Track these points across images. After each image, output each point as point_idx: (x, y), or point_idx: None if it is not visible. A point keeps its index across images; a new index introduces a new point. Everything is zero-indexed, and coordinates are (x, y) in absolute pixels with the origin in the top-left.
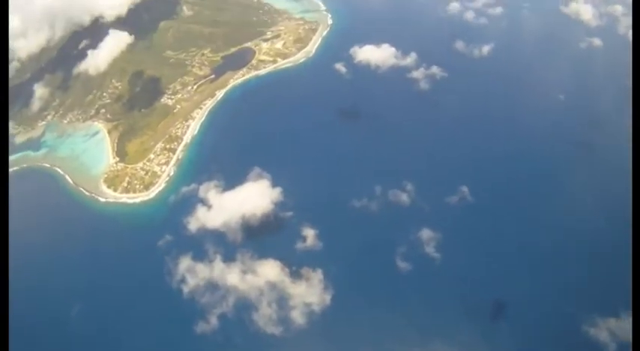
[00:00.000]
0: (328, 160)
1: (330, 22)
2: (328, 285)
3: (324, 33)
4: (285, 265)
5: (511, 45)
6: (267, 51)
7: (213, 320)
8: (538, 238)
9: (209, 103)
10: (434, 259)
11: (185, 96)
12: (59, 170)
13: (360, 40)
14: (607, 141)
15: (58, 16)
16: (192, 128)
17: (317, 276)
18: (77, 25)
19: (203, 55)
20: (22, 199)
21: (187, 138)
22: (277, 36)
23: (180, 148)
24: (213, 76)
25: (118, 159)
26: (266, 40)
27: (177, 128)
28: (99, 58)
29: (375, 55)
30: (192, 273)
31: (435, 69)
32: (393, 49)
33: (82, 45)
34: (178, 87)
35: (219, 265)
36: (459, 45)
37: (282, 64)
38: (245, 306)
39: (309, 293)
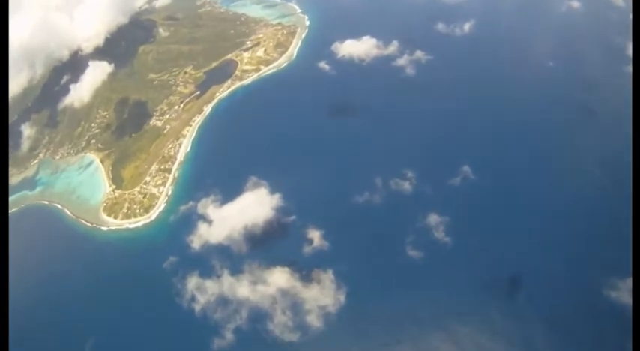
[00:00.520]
0: (324, 159)
1: (307, 23)
2: (341, 284)
3: (303, 35)
4: (294, 270)
5: (491, 19)
6: (249, 60)
7: (229, 335)
8: (545, 209)
9: (198, 120)
10: (445, 244)
11: (173, 116)
12: (58, 206)
13: (340, 36)
14: (604, 102)
15: (36, 54)
16: (185, 146)
17: (328, 277)
18: (57, 60)
19: (186, 73)
20: (24, 239)
21: (181, 156)
22: (257, 44)
23: (175, 167)
24: (198, 93)
25: (114, 186)
26: (246, 50)
27: (170, 148)
28: (82, 91)
29: (357, 48)
30: (202, 290)
31: (419, 53)
32: (374, 40)
33: (63, 80)
34: (165, 108)
35: (227, 279)
36: (440, 26)
37: (266, 70)
38: (259, 316)
39: (323, 295)
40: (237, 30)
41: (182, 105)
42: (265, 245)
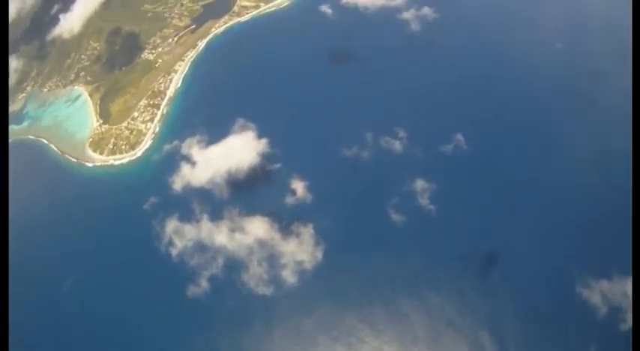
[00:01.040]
0: (316, 107)
1: None
2: (319, 240)
3: None
4: (274, 220)
5: None
6: None
7: (204, 283)
8: (534, 193)
9: (191, 55)
10: (428, 211)
11: (166, 49)
12: (44, 141)
13: None
14: (606, 93)
15: None
16: (175, 82)
17: (308, 231)
18: None
19: (182, 5)
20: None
21: (171, 92)
22: None
23: (165, 102)
24: (194, 27)
25: (102, 121)
26: None
27: (160, 83)
28: (72, 20)
29: None
30: (180, 235)
31: (426, 10)
32: None
33: (54, 10)
34: (158, 41)
35: (206, 225)
36: None
37: (266, 9)
38: (235, 266)
39: (300, 250)
40: None
41: (176, 39)
42: (247, 192)
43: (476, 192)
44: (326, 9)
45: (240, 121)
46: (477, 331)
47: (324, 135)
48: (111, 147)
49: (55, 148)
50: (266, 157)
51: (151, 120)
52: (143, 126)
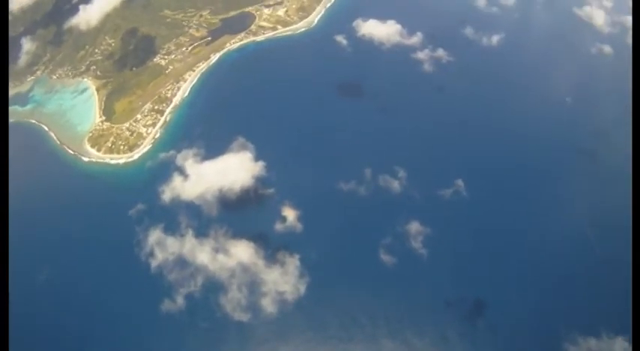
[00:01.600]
0: (318, 136)
1: None
2: (304, 272)
3: (329, 4)
4: (260, 246)
5: (521, 38)
6: (267, 17)
7: (180, 300)
8: (529, 244)
9: (202, 66)
10: (420, 255)
11: (179, 57)
12: (45, 127)
13: (365, 14)
14: (609, 151)
15: None
16: (183, 90)
17: (293, 261)
18: None
19: (201, 16)
20: None
21: (177, 100)
22: (280, 3)
23: (169, 110)
24: (209, 39)
25: (104, 118)
26: (268, 6)
27: (168, 89)
28: (90, 13)
29: (380, 30)
30: (162, 246)
31: (440, 52)
32: (398, 26)
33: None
34: (173, 47)
35: (190, 241)
36: (468, 31)
37: (282, 31)
38: (214, 287)
39: (283, 280)
40: None
41: (190, 48)
42: (237, 213)
43: (470, 239)
44: (342, 39)
45: (240, 139)
46: None
47: (322, 165)
48: (109, 145)
49: (54, 136)
50: (260, 181)
51: (153, 125)
52: (144, 129)
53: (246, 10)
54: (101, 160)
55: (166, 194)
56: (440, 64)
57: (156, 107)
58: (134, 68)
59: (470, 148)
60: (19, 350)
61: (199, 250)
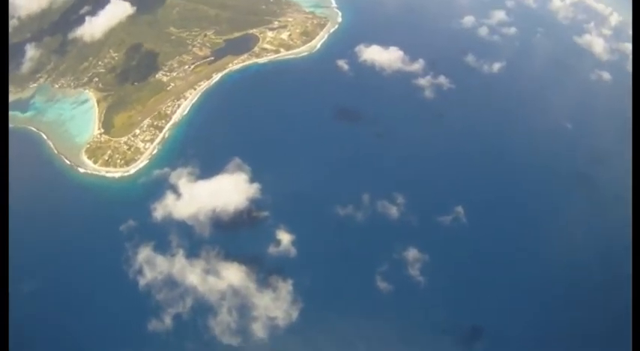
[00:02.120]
0: (316, 160)
1: (339, 19)
2: (297, 298)
3: (332, 29)
4: (252, 269)
5: (522, 66)
6: (271, 40)
7: (168, 320)
8: (529, 271)
9: (204, 85)
10: (417, 283)
11: (181, 75)
12: (43, 135)
13: (368, 40)
14: (610, 175)
15: None
16: (183, 108)
17: (286, 287)
18: None
19: (206, 36)
20: None
21: (176, 117)
22: (284, 26)
23: (168, 126)
24: (212, 58)
25: (102, 130)
26: (272, 29)
27: (168, 106)
28: (95, 26)
29: (381, 56)
30: (151, 265)
31: (442, 79)
32: (400, 53)
33: (83, 10)
34: (175, 65)
35: (180, 261)
36: (470, 59)
37: (285, 55)
38: (203, 309)
39: (275, 306)
40: (268, 7)
41: (192, 66)
42: (229, 235)
43: (469, 266)
44: (343, 64)
45: (237, 160)
46: None
47: (319, 190)
48: (106, 158)
49: (51, 145)
50: (255, 203)
51: (151, 140)
52: (142, 145)
53: (250, 32)
54: (97, 173)
55: (158, 212)
56: (441, 91)
57: (155, 123)
58: (136, 83)
59: (470, 174)
60: None
61: (189, 271)
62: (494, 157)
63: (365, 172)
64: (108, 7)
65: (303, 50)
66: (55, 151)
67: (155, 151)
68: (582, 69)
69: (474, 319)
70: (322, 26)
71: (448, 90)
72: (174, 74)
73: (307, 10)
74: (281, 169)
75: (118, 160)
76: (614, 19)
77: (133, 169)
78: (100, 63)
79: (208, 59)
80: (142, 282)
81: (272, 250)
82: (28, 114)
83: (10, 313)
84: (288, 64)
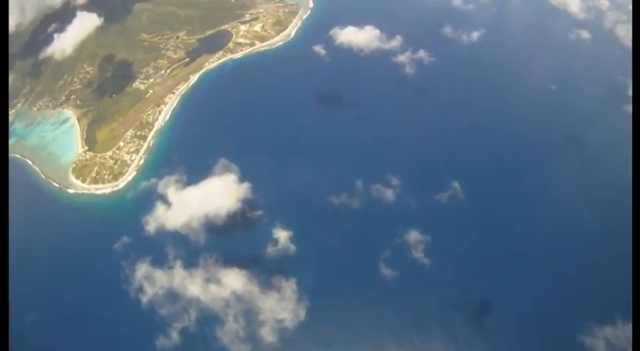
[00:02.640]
0: (304, 151)
1: (311, 5)
2: (303, 296)
3: (305, 16)
4: (253, 272)
5: (501, 33)
6: (244, 34)
7: (175, 335)
8: (531, 238)
9: (182, 88)
10: (422, 265)
11: (158, 80)
12: (28, 161)
13: (342, 22)
14: (596, 137)
15: None
16: (164, 114)
17: (290, 286)
18: (48, 8)
19: (178, 38)
20: None
21: (159, 124)
22: (256, 18)
23: (151, 135)
24: (187, 60)
25: (87, 148)
26: (244, 23)
27: (149, 114)
28: (65, 42)
29: (358, 37)
30: (151, 281)
31: (422, 53)
32: (377, 32)
33: (50, 28)
34: (151, 71)
35: (179, 272)
36: (447, 30)
37: (260, 47)
38: (209, 320)
39: (281, 307)
40: (238, 1)
41: (169, 70)
42: (226, 240)
43: (471, 241)
44: (320, 49)
45: (223, 161)
46: None
47: (310, 181)
48: (94, 175)
49: (38, 170)
50: (247, 203)
51: (137, 151)
52: (128, 157)
53: (223, 28)
54: (87, 191)
55: (150, 225)
56: (422, 66)
57: (138, 133)
58: (114, 95)
59: (462, 148)
60: None
61: (190, 282)
62: (482, 127)
63: (355, 157)
64: (75, 22)
65: (278, 40)
66: (43, 176)
67: (142, 162)
68: (560, 30)
69: (482, 292)
70: (294, 14)
71: (429, 64)
72: (152, 81)
73: None
74: (269, 165)
75: (106, 176)
76: None
77: (122, 183)
78: (75, 79)
79: (184, 61)
80: (144, 300)
81: (271, 249)
82: (10, 141)
83: (12, 345)
84: (264, 55)
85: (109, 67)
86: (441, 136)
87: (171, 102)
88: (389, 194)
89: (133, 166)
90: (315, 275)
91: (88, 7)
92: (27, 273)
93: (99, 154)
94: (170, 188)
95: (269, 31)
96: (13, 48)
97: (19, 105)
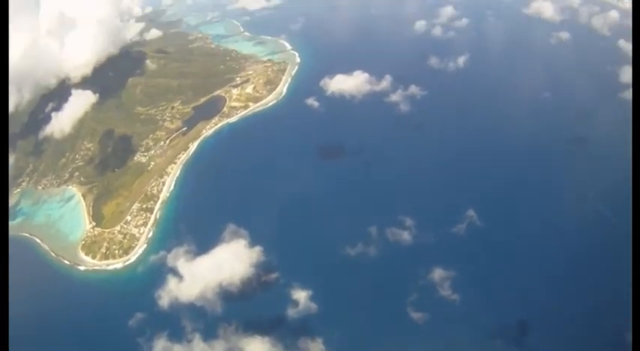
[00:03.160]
0: (312, 206)
1: (298, 60)
2: None
3: (293, 72)
4: (276, 338)
5: (485, 53)
6: (237, 97)
7: None
8: (556, 250)
9: (183, 157)
10: (453, 302)
11: (158, 152)
12: (37, 239)
13: (330, 71)
14: (604, 132)
15: (24, 79)
16: (168, 185)
17: (317, 346)
18: (44, 88)
19: (173, 108)
20: None
21: (164, 195)
22: (247, 80)
23: (157, 206)
24: (185, 129)
25: (94, 224)
26: (236, 86)
27: (153, 186)
28: (63, 121)
29: (348, 83)
30: None
31: (413, 89)
32: (365, 75)
33: (48, 108)
34: (151, 143)
35: (199, 345)
36: (433, 61)
37: (254, 108)
38: None
39: None
40: (227, 66)
41: (168, 141)
42: (243, 307)
43: (497, 266)
44: (312, 102)
45: (232, 227)
46: None
47: (323, 235)
48: (104, 251)
49: (47, 248)
50: (261, 267)
51: (145, 224)
52: (136, 230)
53: (216, 94)
54: (98, 268)
55: (164, 299)
56: (415, 101)
57: (144, 206)
58: (116, 169)
59: (469, 174)
60: None
61: None
62: (485, 149)
63: (365, 204)
64: (71, 99)
65: (270, 99)
66: (53, 254)
67: (151, 234)
68: (540, 37)
69: (517, 315)
70: (283, 71)
71: (422, 98)
72: (152, 152)
73: (265, 58)
74: (279, 225)
75: (116, 251)
76: None
77: (133, 257)
78: (77, 156)
79: (181, 130)
80: None
81: (292, 311)
82: (17, 221)
83: None
84: (260, 116)
85: (109, 142)
86: (447, 167)
87: (174, 172)
88: (405, 236)
89: (143, 239)
90: (341, 332)
91: (82, 85)
92: None
93: (107, 230)
94: (180, 260)
95: (261, 91)
96: (14, 128)
97: (23, 184)
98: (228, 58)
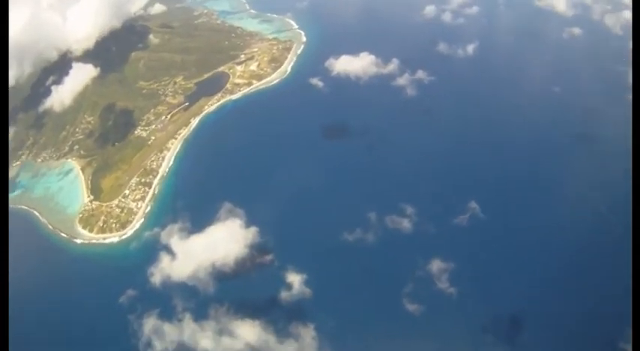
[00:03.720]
0: (311, 188)
1: (304, 39)
2: (324, 343)
3: (299, 51)
4: (268, 321)
5: (495, 42)
6: (241, 74)
7: None
8: (558, 246)
9: (184, 132)
10: (449, 295)
11: (159, 126)
12: (35, 212)
13: (335, 52)
14: (607, 131)
15: (25, 53)
16: (168, 160)
17: (309, 332)
18: (46, 61)
19: (176, 83)
20: None
21: (163, 170)
22: (251, 58)
23: (156, 181)
24: (187, 104)
25: (92, 197)
26: (240, 63)
27: (152, 161)
28: (63, 94)
29: (354, 65)
30: (160, 335)
31: (420, 73)
32: (372, 57)
33: (49, 81)
34: (152, 118)
35: (189, 325)
36: (442, 47)
37: (258, 85)
38: None
39: None
40: (231, 42)
41: (169, 116)
42: (236, 288)
43: (497, 260)
44: (317, 82)
45: (227, 205)
46: None
47: (321, 219)
48: (101, 224)
49: (45, 222)
50: (256, 248)
51: (142, 199)
52: (134, 204)
53: (219, 70)
54: (95, 241)
55: (156, 277)
56: (423, 86)
57: (143, 180)
58: (116, 143)
59: (474, 164)
60: None
61: (201, 335)
62: (491, 139)
63: (365, 188)
64: (72, 73)
65: (274, 77)
66: (50, 227)
67: (148, 209)
68: (552, 30)
69: (511, 310)
70: (288, 49)
71: (429, 83)
72: (153, 127)
73: (270, 36)
74: (276, 205)
75: (114, 225)
76: None
77: (130, 231)
78: (77, 130)
79: (183, 106)
80: None
81: (285, 295)
82: (16, 193)
83: None
84: (263, 94)
85: (110, 116)
86: (452, 156)
87: (174, 147)
88: (405, 224)
89: (140, 213)
90: (335, 319)
91: (84, 59)
92: (31, 326)
93: (105, 203)
94: (174, 238)
95: (265, 69)
96: (15, 101)
97: (23, 157)
98: (233, 34)
